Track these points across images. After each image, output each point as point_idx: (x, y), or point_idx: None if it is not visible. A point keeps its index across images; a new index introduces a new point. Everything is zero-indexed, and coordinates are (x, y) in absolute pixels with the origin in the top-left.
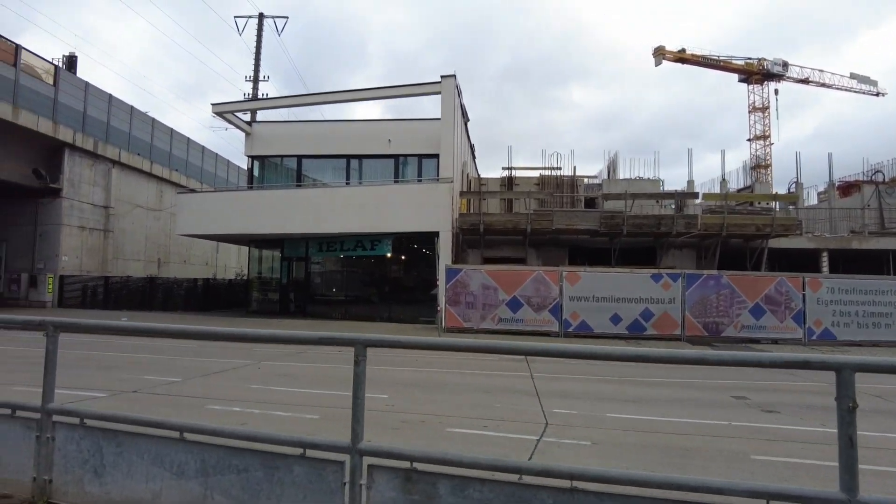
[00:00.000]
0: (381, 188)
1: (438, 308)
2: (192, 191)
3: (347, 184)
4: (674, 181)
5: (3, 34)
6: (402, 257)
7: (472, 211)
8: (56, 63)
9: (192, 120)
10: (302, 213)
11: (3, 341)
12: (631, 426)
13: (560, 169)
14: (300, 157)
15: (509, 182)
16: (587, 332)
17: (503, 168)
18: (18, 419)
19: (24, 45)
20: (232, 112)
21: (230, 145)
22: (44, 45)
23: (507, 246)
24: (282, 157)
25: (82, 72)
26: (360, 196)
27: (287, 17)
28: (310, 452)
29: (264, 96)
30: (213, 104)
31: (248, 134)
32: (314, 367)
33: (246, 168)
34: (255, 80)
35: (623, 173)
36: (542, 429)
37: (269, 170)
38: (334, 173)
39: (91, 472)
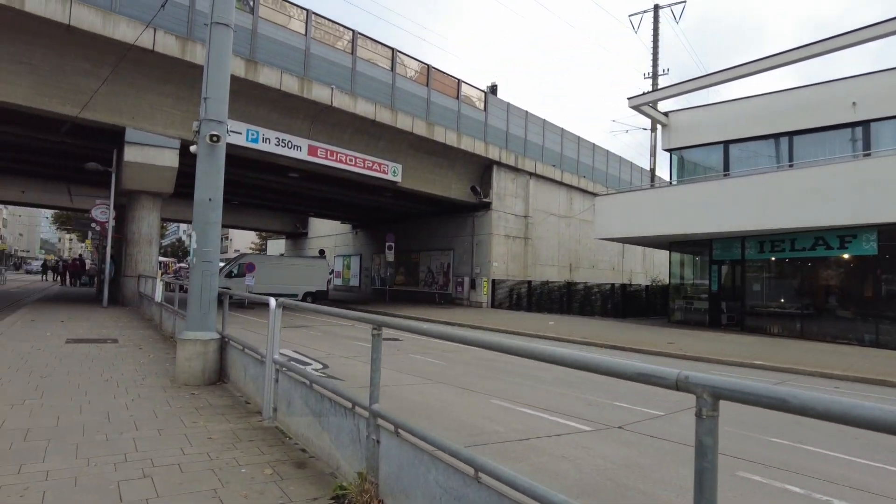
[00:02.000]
0: (850, 165)
1: None
2: (612, 193)
3: (790, 166)
4: None
5: (443, 70)
6: (888, 257)
7: None
8: (484, 90)
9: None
10: (738, 206)
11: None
12: None
13: None
14: (726, 144)
15: None
16: None
17: None
18: (355, 415)
19: (462, 79)
20: (648, 103)
21: (629, 149)
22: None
23: None
24: (704, 145)
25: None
26: (818, 179)
27: (685, 1)
28: None
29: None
30: (628, 98)
31: (663, 126)
32: None
33: (648, 168)
34: (654, 76)
35: None
36: None
37: (689, 162)
38: (767, 159)
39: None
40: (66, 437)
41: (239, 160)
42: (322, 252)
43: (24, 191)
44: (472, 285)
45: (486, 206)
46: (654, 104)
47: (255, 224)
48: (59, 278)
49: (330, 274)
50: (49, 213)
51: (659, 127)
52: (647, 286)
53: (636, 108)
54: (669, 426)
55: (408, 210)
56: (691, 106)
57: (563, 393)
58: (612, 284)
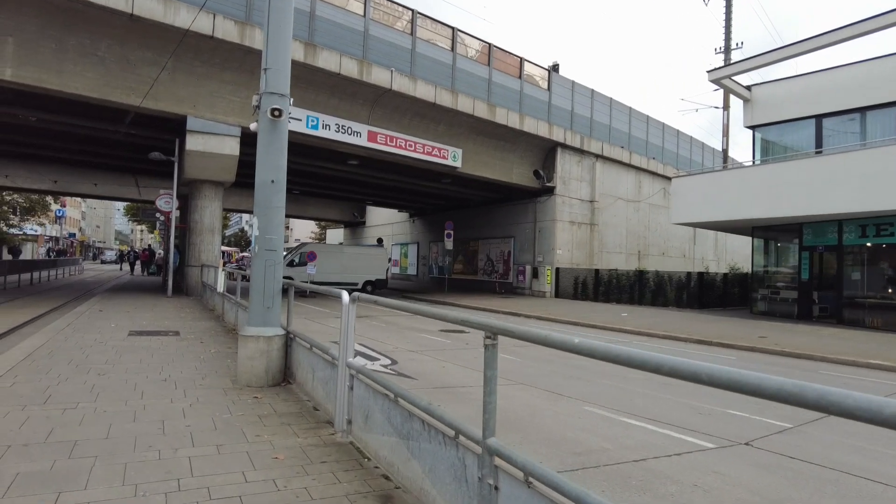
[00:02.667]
0: None
1: None
2: (690, 174)
3: None
4: None
5: (505, 48)
6: None
7: None
8: (548, 68)
9: (656, 109)
10: (836, 186)
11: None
12: None
13: None
14: (818, 118)
15: None
16: None
17: None
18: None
19: (524, 57)
20: (729, 76)
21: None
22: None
23: None
24: (792, 120)
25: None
26: None
27: None
28: None
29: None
30: (708, 71)
31: (745, 101)
32: None
33: (721, 149)
34: (727, 49)
35: None
36: None
37: (772, 141)
38: (864, 135)
39: None
40: (115, 453)
41: (300, 148)
42: (380, 240)
43: (97, 183)
44: (535, 274)
45: (550, 191)
46: (733, 77)
47: (315, 213)
48: (130, 268)
49: (388, 263)
50: (121, 205)
51: (736, 104)
52: (725, 274)
53: (716, 81)
54: (805, 443)
55: (466, 197)
56: (776, 79)
57: (663, 397)
58: (689, 273)
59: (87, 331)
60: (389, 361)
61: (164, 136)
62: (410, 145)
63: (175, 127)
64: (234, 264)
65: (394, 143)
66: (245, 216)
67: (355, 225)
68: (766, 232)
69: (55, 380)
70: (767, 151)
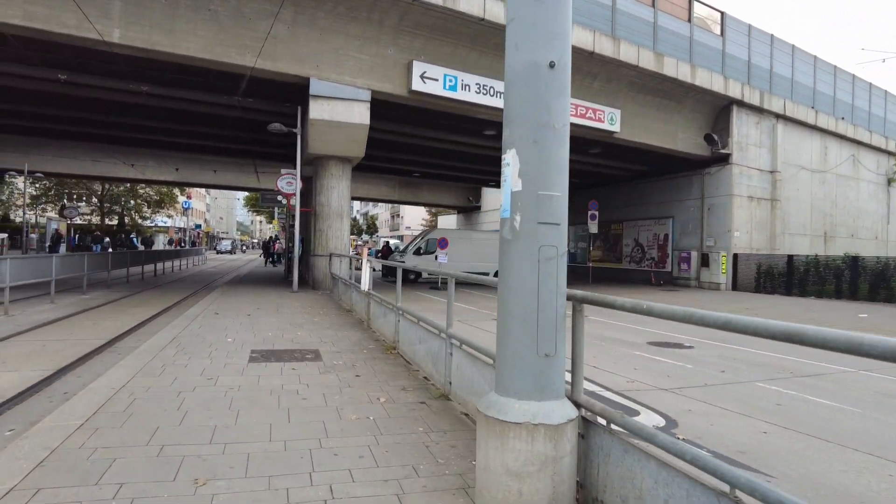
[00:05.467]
0: None
1: None
2: None
3: None
4: None
5: None
6: None
7: None
8: (720, 10)
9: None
10: None
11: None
12: None
13: None
14: None
15: None
16: None
17: None
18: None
19: None
20: None
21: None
22: None
23: None
24: None
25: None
26: None
27: None
28: None
29: None
30: None
31: None
32: None
33: None
34: None
35: None
36: None
37: None
38: None
39: None
40: None
41: (432, 117)
42: None
43: (217, 170)
44: (704, 261)
45: (723, 160)
46: None
47: (429, 199)
48: (263, 257)
49: None
50: (241, 196)
51: None
52: None
53: None
54: None
55: (609, 173)
56: None
57: None
58: None
59: (195, 352)
60: (662, 421)
61: (283, 107)
62: None
63: (296, 94)
64: (353, 252)
65: None
66: (356, 204)
67: (469, 210)
68: None
69: (111, 491)
70: None
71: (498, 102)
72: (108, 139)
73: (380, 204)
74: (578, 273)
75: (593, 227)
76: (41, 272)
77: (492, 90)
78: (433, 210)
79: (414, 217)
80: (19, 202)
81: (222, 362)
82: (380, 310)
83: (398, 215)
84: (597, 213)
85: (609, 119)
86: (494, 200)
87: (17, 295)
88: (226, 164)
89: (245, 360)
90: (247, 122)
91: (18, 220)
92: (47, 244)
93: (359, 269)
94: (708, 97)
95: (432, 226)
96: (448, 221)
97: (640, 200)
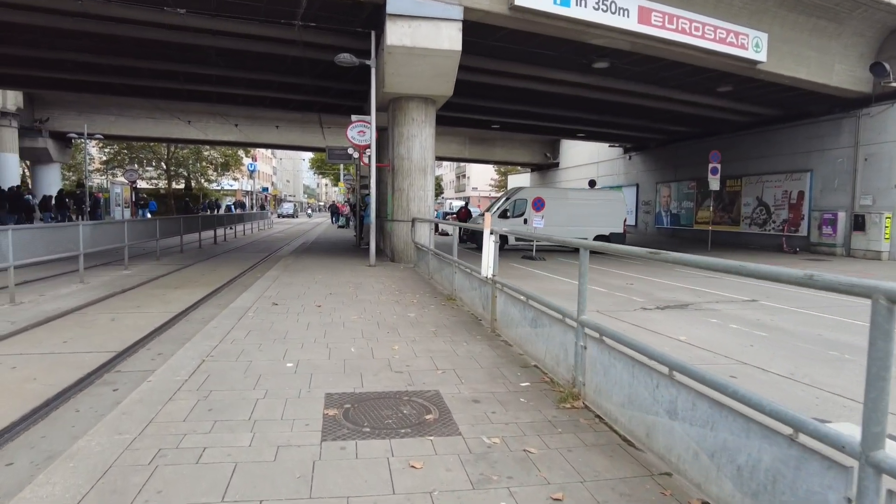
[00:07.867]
0: None
1: None
2: None
3: None
4: None
5: None
6: None
7: None
8: None
9: None
10: None
11: None
12: None
13: None
14: None
15: None
16: None
17: None
18: None
19: None
20: None
21: None
22: None
23: None
24: None
25: None
26: None
27: None
28: None
29: None
30: None
31: None
32: None
33: None
34: None
35: None
36: None
37: None
38: None
39: None
40: None
41: (536, 42)
42: (593, 182)
43: (279, 125)
44: (857, 224)
45: (891, 97)
46: None
47: (501, 156)
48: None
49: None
50: (307, 157)
51: None
52: None
53: None
54: None
55: (730, 119)
56: None
57: None
58: None
59: (225, 408)
60: None
61: (352, 39)
62: (697, 28)
63: (369, 16)
64: None
65: (674, 26)
66: None
67: (545, 168)
68: None
69: None
70: None
71: (620, 22)
72: (164, 93)
73: (444, 164)
74: (685, 238)
75: (714, 184)
76: (66, 245)
77: (613, 6)
78: (502, 169)
79: (481, 178)
80: (91, 167)
81: (273, 439)
82: (520, 313)
83: (464, 175)
84: (719, 165)
85: (754, 45)
86: (576, 156)
87: (40, 273)
88: (289, 120)
89: (316, 430)
90: (309, 63)
91: (93, 184)
92: (86, 209)
93: (470, 241)
94: (879, 14)
95: (501, 187)
96: (520, 181)
97: (766, 152)
